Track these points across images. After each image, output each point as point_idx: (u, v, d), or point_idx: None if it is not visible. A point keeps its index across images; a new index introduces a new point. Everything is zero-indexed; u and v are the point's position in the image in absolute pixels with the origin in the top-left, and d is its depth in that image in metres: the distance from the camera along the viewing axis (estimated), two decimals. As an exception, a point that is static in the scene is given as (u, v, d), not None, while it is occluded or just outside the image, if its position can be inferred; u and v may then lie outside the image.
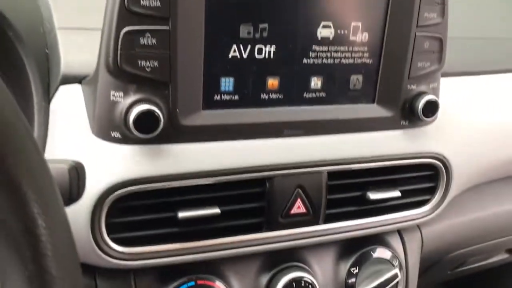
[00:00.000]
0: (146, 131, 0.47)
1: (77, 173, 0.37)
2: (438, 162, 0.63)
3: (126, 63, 0.45)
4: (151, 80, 0.47)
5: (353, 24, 0.54)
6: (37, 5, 0.57)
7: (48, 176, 0.24)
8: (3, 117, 0.22)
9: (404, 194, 0.62)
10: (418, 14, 0.55)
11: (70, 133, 0.49)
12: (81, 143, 0.49)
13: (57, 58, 0.52)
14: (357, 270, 0.63)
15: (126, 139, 0.48)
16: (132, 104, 0.47)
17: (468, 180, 0.68)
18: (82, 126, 0.49)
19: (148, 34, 0.45)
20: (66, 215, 0.25)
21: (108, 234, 0.49)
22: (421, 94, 0.58)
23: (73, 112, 0.50)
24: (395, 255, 0.66)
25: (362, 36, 0.55)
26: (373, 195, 0.59)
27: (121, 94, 0.47)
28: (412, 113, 0.58)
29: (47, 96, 0.51)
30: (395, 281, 0.63)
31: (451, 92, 0.66)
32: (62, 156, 0.48)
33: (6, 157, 0.22)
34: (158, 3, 0.45)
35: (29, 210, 0.22)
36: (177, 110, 0.49)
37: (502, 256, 0.93)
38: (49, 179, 0.24)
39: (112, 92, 0.47)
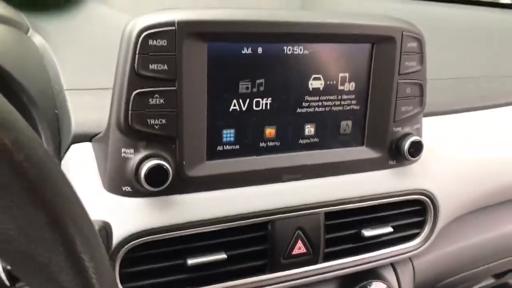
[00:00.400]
0: (156, 184, 0.50)
1: (106, 232, 0.40)
2: (425, 198, 0.67)
3: (136, 122, 0.49)
4: (160, 136, 0.50)
5: (340, 75, 0.59)
6: (44, 67, 0.60)
7: (97, 237, 0.27)
8: (57, 184, 0.25)
9: (396, 229, 0.65)
10: (400, 63, 0.60)
11: (82, 189, 0.52)
12: (93, 198, 0.51)
13: (67, 118, 0.55)
14: (356, 305, 0.66)
15: (136, 193, 0.51)
16: (143, 160, 0.50)
17: (454, 212, 0.73)
18: (93, 182, 0.52)
19: (156, 95, 0.49)
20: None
21: (122, 284, 0.51)
22: (406, 135, 0.63)
23: (84, 169, 0.53)
24: (390, 288, 0.69)
25: (349, 86, 0.60)
26: (367, 232, 0.63)
27: (132, 150, 0.50)
28: (399, 153, 0.63)
29: (59, 155, 0.54)
30: (392, 313, 0.67)
31: (433, 131, 0.70)
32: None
33: (61, 221, 0.25)
34: (165, 67, 0.49)
35: (87, 275, 0.25)
36: (184, 162, 0.52)
37: (489, 281, 0.97)
38: (98, 240, 0.27)
39: (123, 149, 0.50)
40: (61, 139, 0.55)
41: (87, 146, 0.54)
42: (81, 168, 0.53)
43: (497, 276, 0.97)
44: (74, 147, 0.54)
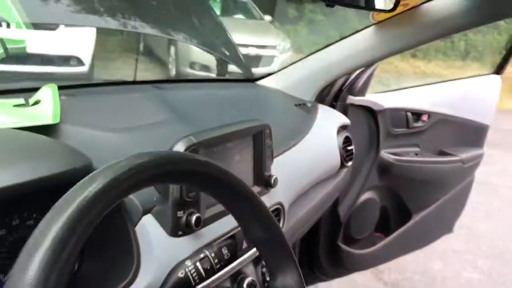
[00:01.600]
0: (198, 227, 0.96)
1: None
2: (279, 206, 1.29)
3: (186, 196, 0.94)
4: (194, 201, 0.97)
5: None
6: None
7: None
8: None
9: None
10: (264, 142, 1.20)
11: (157, 236, 0.93)
12: (164, 241, 0.93)
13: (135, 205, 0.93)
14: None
15: (184, 234, 0.96)
16: (189, 215, 0.95)
17: (292, 199, 1.37)
18: (161, 233, 0.94)
19: (192, 180, 0.96)
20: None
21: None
22: (270, 176, 1.23)
23: (154, 228, 0.93)
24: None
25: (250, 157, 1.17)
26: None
27: (182, 212, 0.95)
28: (269, 185, 1.23)
29: (134, 224, 0.92)
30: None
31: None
32: (161, 252, 0.92)
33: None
34: (194, 165, 0.96)
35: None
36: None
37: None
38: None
39: (178, 213, 0.94)
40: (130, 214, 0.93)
41: (149, 216, 0.94)
42: (152, 228, 0.93)
43: (302, 239, 1.68)
44: (144, 218, 0.93)
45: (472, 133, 2.59)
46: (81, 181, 0.56)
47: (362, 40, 1.74)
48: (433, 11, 1.54)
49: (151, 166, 0.60)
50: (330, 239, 2.31)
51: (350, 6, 1.25)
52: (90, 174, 0.57)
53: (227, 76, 2.27)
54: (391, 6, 1.26)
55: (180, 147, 0.94)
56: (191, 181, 0.70)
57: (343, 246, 2.32)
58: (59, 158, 0.78)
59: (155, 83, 1.72)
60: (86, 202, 0.52)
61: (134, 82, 1.75)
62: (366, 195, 2.34)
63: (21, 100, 1.14)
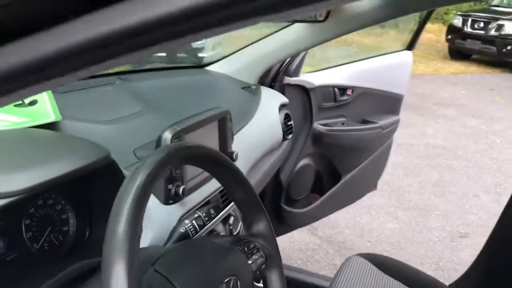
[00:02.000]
0: (184, 196, 1.23)
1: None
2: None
3: (174, 172, 1.21)
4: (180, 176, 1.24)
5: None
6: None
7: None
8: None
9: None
10: (226, 124, 1.48)
11: (153, 204, 1.19)
12: (159, 206, 1.20)
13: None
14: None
15: (174, 202, 1.23)
16: (177, 186, 1.22)
17: (247, 170, 1.67)
18: (157, 202, 1.20)
19: (178, 170, 1.23)
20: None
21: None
22: (232, 152, 1.52)
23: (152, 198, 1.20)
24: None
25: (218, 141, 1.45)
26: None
27: (172, 185, 1.22)
28: (233, 160, 1.52)
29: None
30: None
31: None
32: (157, 216, 1.19)
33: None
34: (179, 148, 1.23)
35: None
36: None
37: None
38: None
39: (168, 186, 1.21)
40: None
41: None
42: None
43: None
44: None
45: (389, 103, 3.00)
46: (140, 163, 0.82)
47: (296, 31, 2.04)
48: (355, 8, 1.87)
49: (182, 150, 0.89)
50: (274, 201, 2.65)
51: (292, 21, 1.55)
52: (144, 158, 0.83)
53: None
54: (322, 17, 1.57)
55: (168, 134, 1.20)
56: (199, 162, 0.98)
57: (285, 207, 2.67)
58: (86, 151, 1.01)
59: (117, 74, 1.93)
60: (149, 172, 0.79)
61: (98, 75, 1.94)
62: (302, 162, 2.69)
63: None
